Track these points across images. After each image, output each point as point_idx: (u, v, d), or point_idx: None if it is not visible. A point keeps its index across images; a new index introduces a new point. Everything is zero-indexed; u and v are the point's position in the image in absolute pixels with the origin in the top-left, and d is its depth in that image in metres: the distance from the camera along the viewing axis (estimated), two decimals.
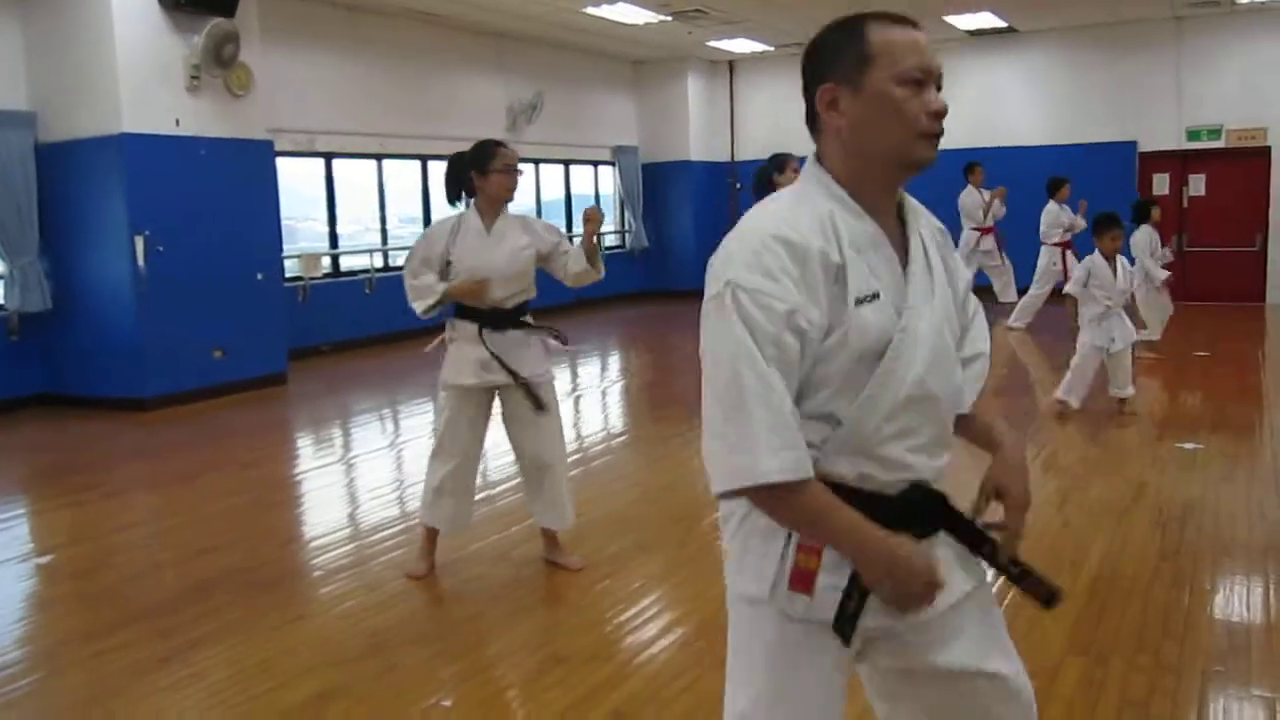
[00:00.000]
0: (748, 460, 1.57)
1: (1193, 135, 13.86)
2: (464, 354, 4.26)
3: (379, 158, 12.15)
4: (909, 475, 1.71)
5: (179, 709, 3.33)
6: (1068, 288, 7.23)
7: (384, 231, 12.44)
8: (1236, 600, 4.00)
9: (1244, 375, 8.81)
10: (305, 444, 7.69)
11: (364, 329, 11.61)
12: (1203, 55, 13.70)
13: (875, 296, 1.65)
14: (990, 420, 1.85)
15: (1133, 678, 3.31)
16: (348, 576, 4.50)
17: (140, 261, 8.26)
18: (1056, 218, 11.33)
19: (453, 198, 4.31)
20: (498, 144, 4.22)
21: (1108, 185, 13.42)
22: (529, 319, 4.36)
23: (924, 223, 1.80)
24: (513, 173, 4.19)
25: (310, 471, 6.68)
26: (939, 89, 1.70)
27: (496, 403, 4.40)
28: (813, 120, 1.75)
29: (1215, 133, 13.75)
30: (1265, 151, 13.52)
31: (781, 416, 1.57)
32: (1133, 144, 14.03)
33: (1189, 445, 6.32)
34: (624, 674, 3.48)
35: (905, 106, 1.65)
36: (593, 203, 15.95)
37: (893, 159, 1.69)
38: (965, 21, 13.63)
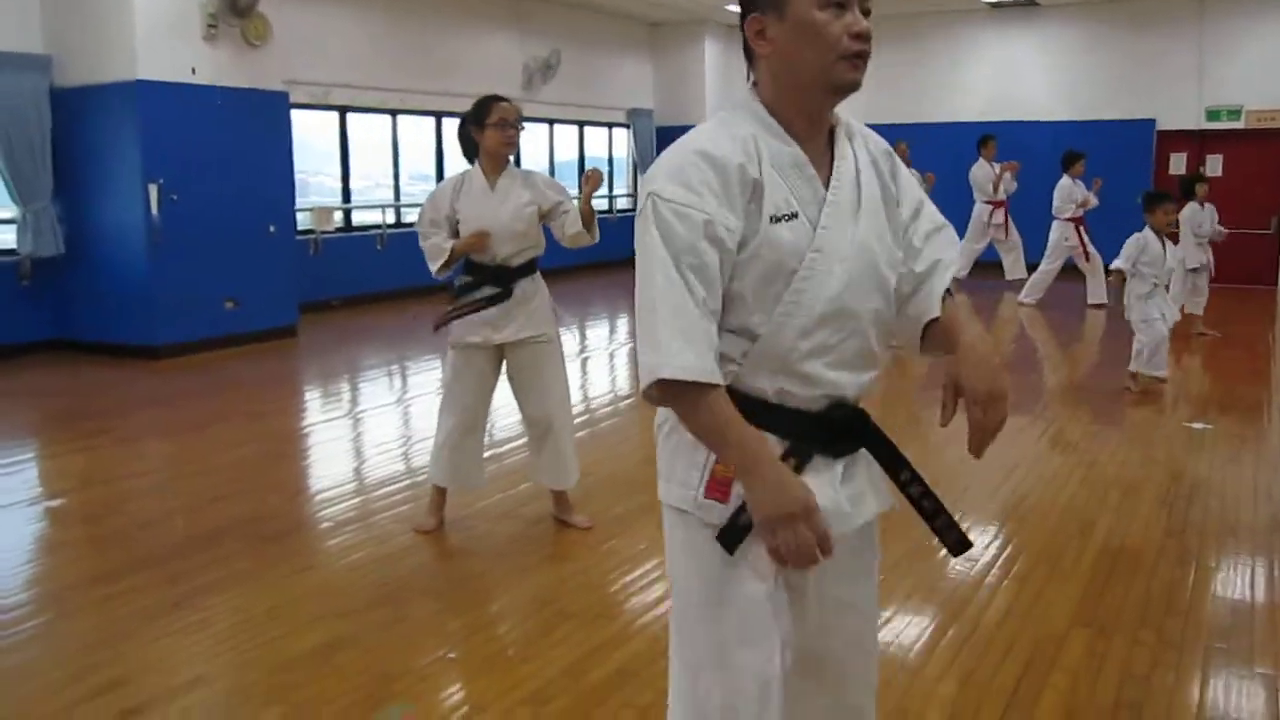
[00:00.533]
0: (654, 358, 1.63)
1: (1212, 115, 13.74)
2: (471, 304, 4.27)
3: (393, 113, 12.10)
4: (830, 391, 1.75)
5: (188, 653, 3.36)
6: (1117, 263, 7.01)
7: (396, 188, 12.42)
8: (1240, 579, 4.02)
9: (1253, 358, 8.79)
10: (314, 397, 7.72)
11: (375, 284, 11.62)
12: (1225, 35, 13.55)
13: (793, 216, 1.70)
14: (953, 319, 1.79)
15: (1136, 652, 3.33)
16: (355, 529, 4.53)
17: (154, 210, 8.25)
18: (1070, 193, 11.24)
19: (469, 156, 4.30)
20: (496, 98, 4.20)
21: (1125, 163, 13.37)
22: (538, 276, 4.35)
23: (865, 146, 1.83)
24: (508, 127, 4.16)
25: (319, 424, 6.71)
26: (866, 14, 1.72)
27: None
28: (747, 51, 1.80)
29: (1235, 113, 13.62)
30: None
31: (689, 319, 1.63)
32: (1151, 122, 13.92)
33: (1197, 425, 6.32)
34: (628, 633, 3.51)
35: (827, 29, 1.68)
36: (605, 165, 15.90)
37: (817, 82, 1.72)
38: None
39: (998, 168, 11.98)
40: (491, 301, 4.23)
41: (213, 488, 5.14)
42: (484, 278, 4.25)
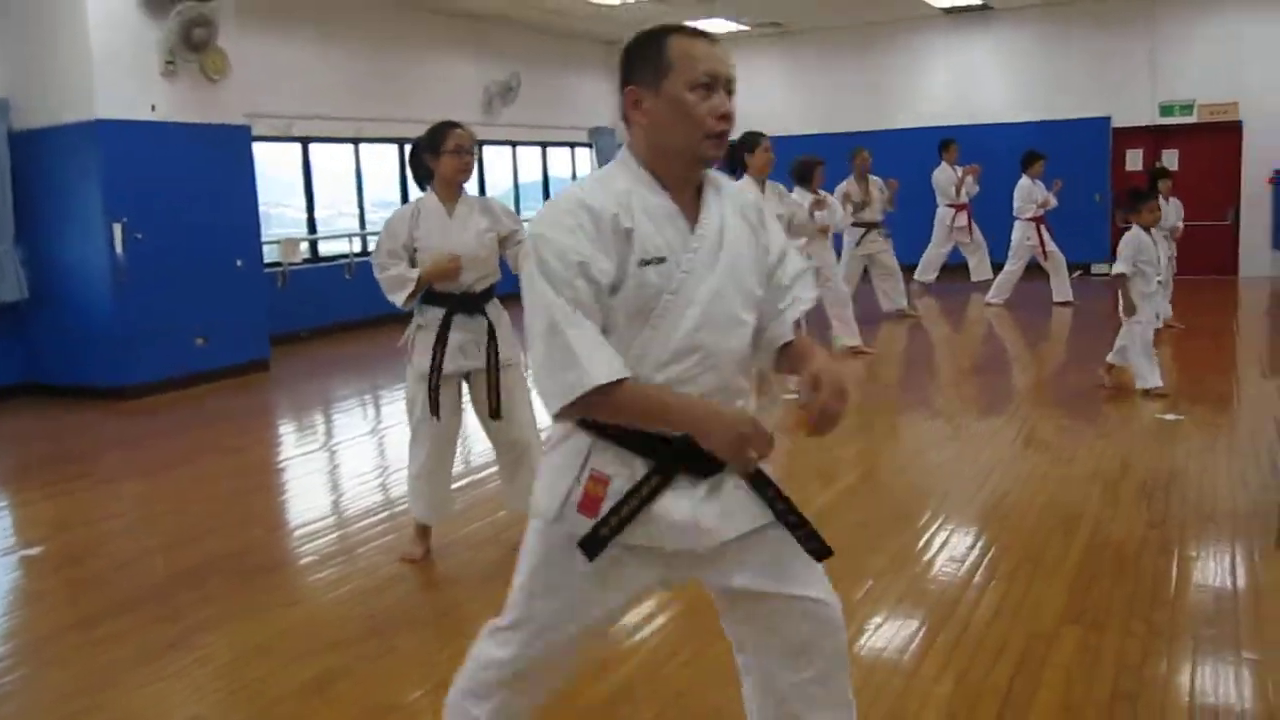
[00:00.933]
0: (575, 374, 1.83)
1: (1166, 110, 13.95)
2: (437, 340, 4.22)
3: (355, 142, 12.08)
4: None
5: (179, 696, 3.33)
6: (1118, 267, 6.88)
7: (361, 216, 12.38)
8: (1222, 566, 4.06)
9: (1219, 348, 8.91)
10: (289, 430, 7.66)
11: (344, 314, 11.57)
12: (1176, 31, 13.77)
13: (661, 260, 1.91)
14: (806, 344, 2.07)
15: (1127, 643, 3.36)
16: (340, 562, 4.49)
17: (119, 249, 8.19)
18: (1030, 193, 11.35)
19: (421, 182, 4.28)
20: (451, 125, 4.18)
21: (1082, 161, 13.55)
22: (497, 301, 4.33)
23: (732, 201, 2.05)
24: (464, 154, 4.15)
25: (296, 457, 6.66)
26: (730, 94, 1.95)
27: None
28: (624, 115, 2.01)
29: (1187, 108, 13.84)
30: (1236, 126, 13.63)
31: (593, 334, 1.86)
32: (1106, 119, 14.12)
33: (1170, 416, 6.39)
34: (620, 653, 3.50)
35: (695, 109, 1.91)
36: (569, 185, 15.88)
37: (684, 154, 1.95)
38: None
39: (959, 171, 12.11)
40: (458, 307, 4.19)
41: (192, 526, 5.09)
42: (451, 306, 4.20)
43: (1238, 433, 6.06)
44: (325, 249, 12.00)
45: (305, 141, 11.46)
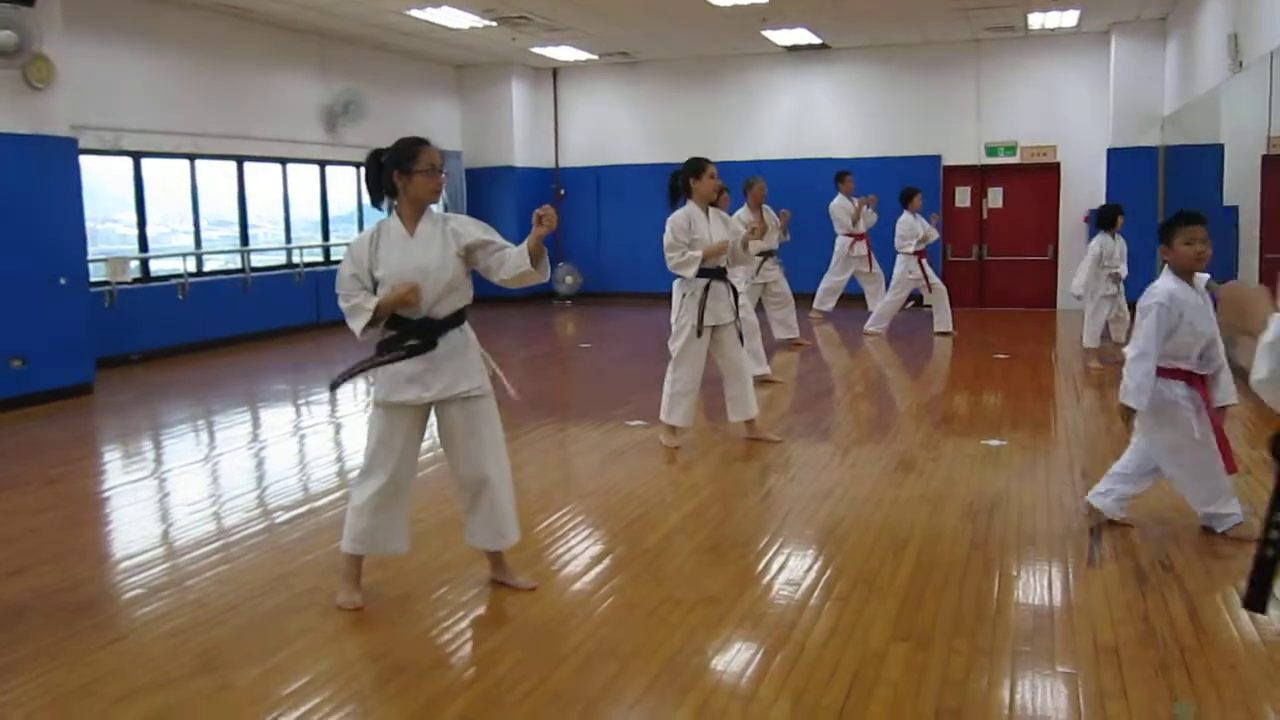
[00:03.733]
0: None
1: (991, 151, 14.75)
2: (398, 369, 4.01)
3: (192, 158, 11.67)
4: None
5: None
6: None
7: (198, 235, 11.94)
8: (1040, 585, 4.30)
9: (1039, 376, 9.42)
10: (116, 457, 7.31)
11: (178, 336, 11.13)
12: (999, 76, 14.60)
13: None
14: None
15: (952, 660, 3.52)
16: (171, 594, 4.32)
17: None
18: (911, 227, 11.76)
19: (377, 200, 4.06)
20: (420, 142, 4.00)
21: None
22: (466, 326, 4.16)
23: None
24: (437, 173, 3.97)
25: (123, 486, 6.36)
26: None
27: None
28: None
29: (1011, 149, 14.66)
30: (1055, 167, 14.51)
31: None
32: (938, 158, 14.81)
33: (994, 442, 6.73)
34: (466, 680, 3.48)
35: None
36: None
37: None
38: (782, 37, 14.09)
39: (856, 201, 12.44)
40: (411, 353, 4.00)
41: (8, 560, 4.81)
42: (409, 332, 4.00)
43: (1055, 457, 6.42)
44: (158, 268, 11.53)
45: (137, 156, 11.00)
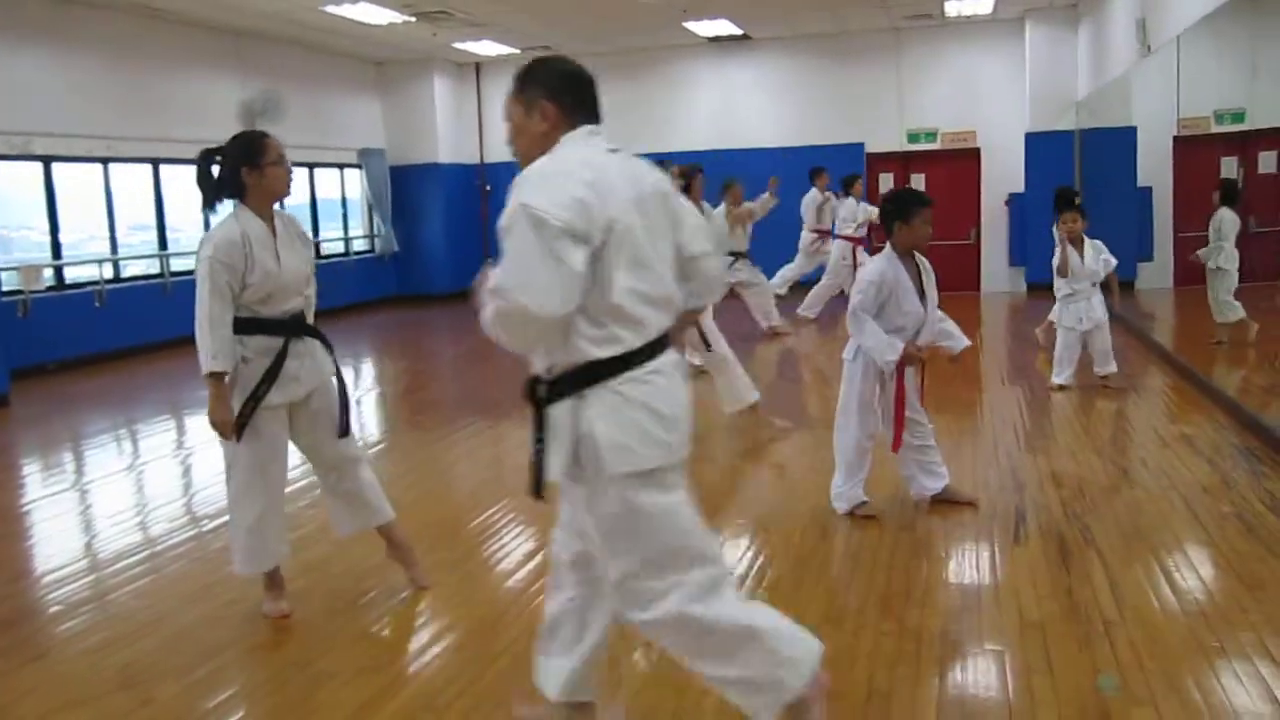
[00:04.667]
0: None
1: (912, 138, 14.95)
2: (266, 371, 3.87)
3: (105, 161, 11.38)
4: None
5: None
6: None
7: (113, 240, 11.65)
8: (966, 565, 4.36)
9: (963, 359, 9.53)
10: (33, 470, 7.11)
11: (95, 344, 10.87)
12: (919, 64, 14.79)
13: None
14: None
15: (882, 642, 3.56)
16: (91, 610, 4.21)
17: None
18: (852, 211, 11.85)
19: (213, 201, 3.89)
20: (263, 134, 3.87)
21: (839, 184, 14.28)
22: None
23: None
24: (285, 163, 3.86)
25: (40, 500, 6.19)
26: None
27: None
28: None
29: (931, 135, 14.87)
30: (975, 153, 14.75)
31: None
32: (860, 145, 14.96)
33: None
34: (397, 684, 3.44)
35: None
36: (339, 207, 15.54)
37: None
38: (704, 28, 14.13)
39: (827, 195, 12.43)
40: (292, 332, 3.91)
41: None
42: (283, 334, 3.90)
43: (980, 439, 6.52)
44: (72, 275, 11.23)
45: (48, 160, 10.70)
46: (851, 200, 12.07)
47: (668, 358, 2.56)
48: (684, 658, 2.63)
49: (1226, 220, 8.63)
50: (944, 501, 5.02)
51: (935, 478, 5.03)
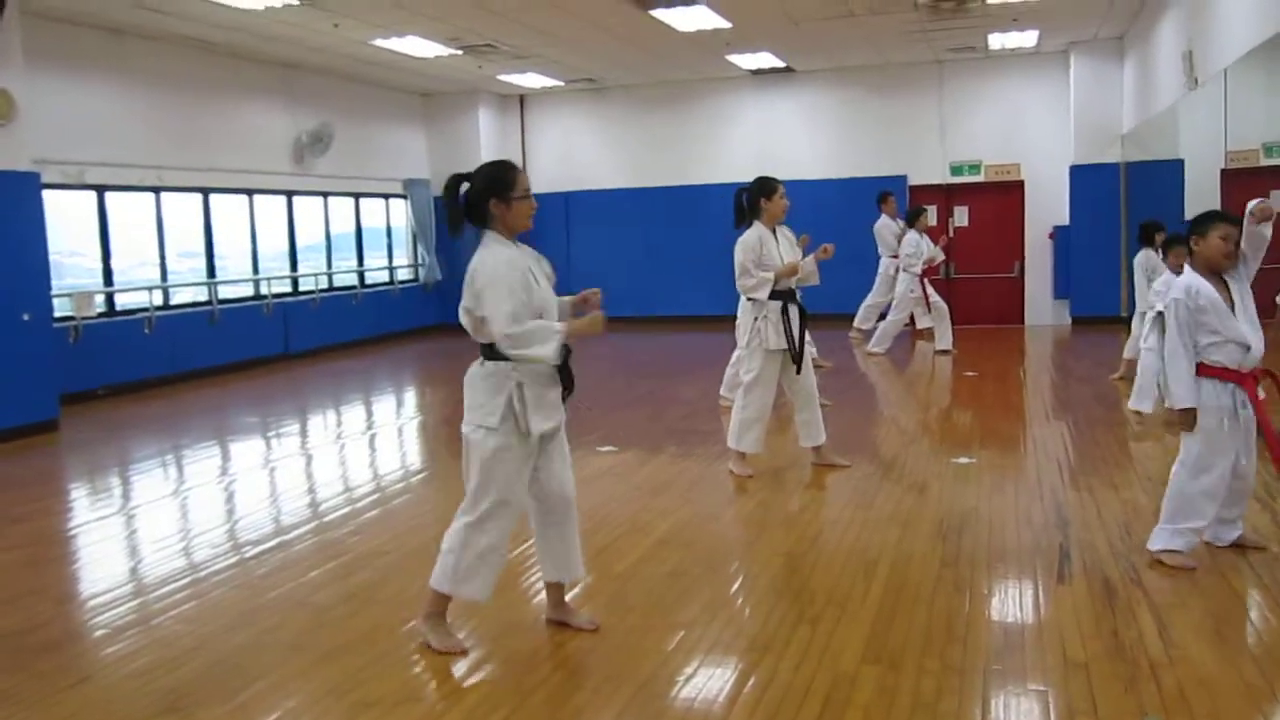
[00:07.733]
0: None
1: (956, 170, 14.90)
2: (543, 395, 3.90)
3: (157, 190, 11.60)
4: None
5: None
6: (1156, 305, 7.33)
7: (163, 268, 11.85)
8: (1010, 602, 4.31)
9: (1008, 393, 9.48)
10: (81, 495, 7.23)
11: (144, 370, 11.03)
12: (962, 96, 14.76)
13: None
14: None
15: (923, 681, 3.52)
16: (136, 634, 4.26)
17: None
18: (917, 247, 11.77)
19: (458, 228, 3.98)
20: (513, 167, 3.90)
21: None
22: None
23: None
24: (531, 198, 3.90)
25: (88, 524, 6.28)
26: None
27: None
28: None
29: (975, 168, 14.81)
30: (1019, 185, 14.66)
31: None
32: (903, 177, 14.92)
33: (963, 459, 6.76)
34: (435, 713, 3.44)
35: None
36: (384, 236, 15.70)
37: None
38: (747, 61, 14.19)
39: (900, 223, 12.26)
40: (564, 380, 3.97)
41: None
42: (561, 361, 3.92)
43: (1024, 474, 6.45)
44: (123, 302, 11.43)
45: (101, 189, 10.93)
46: (914, 234, 11.79)
47: None
48: None
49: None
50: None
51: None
